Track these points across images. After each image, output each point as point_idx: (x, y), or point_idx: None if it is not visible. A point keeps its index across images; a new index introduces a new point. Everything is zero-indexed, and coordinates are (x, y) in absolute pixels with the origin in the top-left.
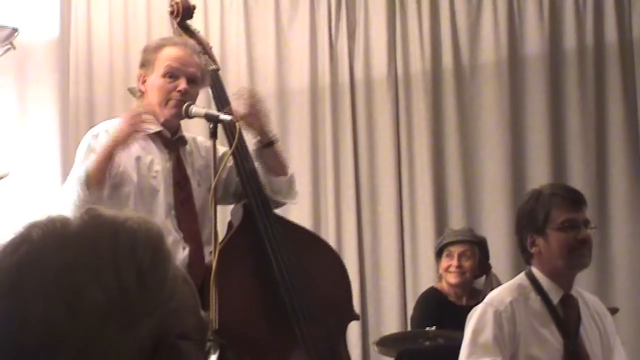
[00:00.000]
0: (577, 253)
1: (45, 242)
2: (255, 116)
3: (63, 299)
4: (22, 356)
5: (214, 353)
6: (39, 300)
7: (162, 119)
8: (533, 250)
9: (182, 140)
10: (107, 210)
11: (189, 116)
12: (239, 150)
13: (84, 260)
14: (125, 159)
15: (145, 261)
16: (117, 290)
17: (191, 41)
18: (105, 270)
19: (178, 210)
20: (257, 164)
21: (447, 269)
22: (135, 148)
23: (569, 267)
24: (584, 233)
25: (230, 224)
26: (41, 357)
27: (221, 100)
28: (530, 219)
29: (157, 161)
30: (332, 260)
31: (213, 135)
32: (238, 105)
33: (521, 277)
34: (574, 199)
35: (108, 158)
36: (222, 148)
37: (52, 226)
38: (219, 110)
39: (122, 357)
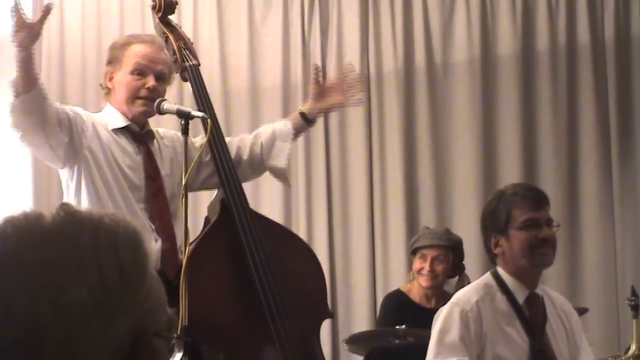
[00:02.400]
0: (539, 251)
1: (23, 237)
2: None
3: (47, 295)
4: (3, 351)
5: (179, 351)
6: (22, 295)
7: (130, 116)
8: (497, 250)
9: (151, 134)
10: (80, 207)
11: (160, 112)
12: (217, 145)
13: (66, 256)
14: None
15: (127, 259)
16: (100, 287)
17: (159, 38)
18: (88, 267)
19: (150, 203)
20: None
21: (419, 271)
22: (105, 142)
23: (532, 266)
24: (545, 232)
25: (207, 219)
26: (23, 352)
27: (201, 95)
28: (492, 219)
29: (126, 155)
30: (308, 257)
31: (184, 132)
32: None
33: (487, 276)
34: (535, 198)
35: (24, 61)
36: (198, 139)
37: (28, 221)
38: (198, 105)
39: (103, 353)
